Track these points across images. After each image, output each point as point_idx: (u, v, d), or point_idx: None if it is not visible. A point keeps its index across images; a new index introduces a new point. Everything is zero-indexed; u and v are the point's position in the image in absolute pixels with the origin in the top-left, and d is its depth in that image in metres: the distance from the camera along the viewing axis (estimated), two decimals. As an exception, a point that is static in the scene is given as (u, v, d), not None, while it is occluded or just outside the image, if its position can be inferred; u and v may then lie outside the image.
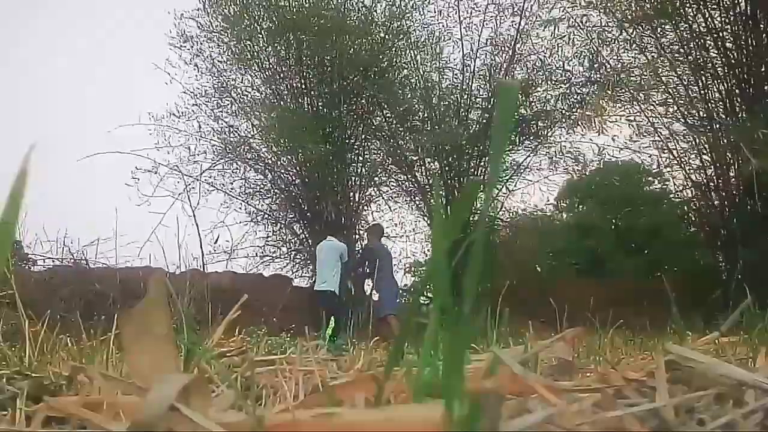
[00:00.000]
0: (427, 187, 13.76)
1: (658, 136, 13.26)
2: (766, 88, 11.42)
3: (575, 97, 13.35)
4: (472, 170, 13.39)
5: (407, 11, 13.45)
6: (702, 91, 12.38)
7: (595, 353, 1.57)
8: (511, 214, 15.11)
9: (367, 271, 9.70)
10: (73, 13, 23.92)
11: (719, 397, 0.68)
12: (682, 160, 13.18)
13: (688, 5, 12.04)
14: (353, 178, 14.12)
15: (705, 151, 12.64)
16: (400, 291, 10.71)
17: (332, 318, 8.23)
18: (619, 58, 12.97)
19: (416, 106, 13.74)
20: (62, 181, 16.34)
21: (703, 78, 12.30)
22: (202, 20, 13.52)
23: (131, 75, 23.47)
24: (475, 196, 0.50)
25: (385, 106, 13.65)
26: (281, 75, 13.66)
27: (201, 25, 13.54)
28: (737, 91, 11.90)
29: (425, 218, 14.17)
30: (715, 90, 12.33)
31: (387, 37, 13.41)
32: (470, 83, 13.66)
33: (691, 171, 13.17)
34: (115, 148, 12.47)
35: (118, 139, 17.41)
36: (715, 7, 11.97)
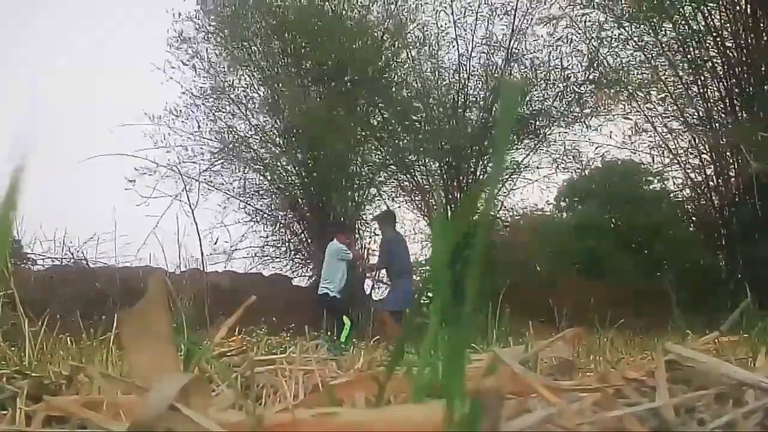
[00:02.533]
0: (426, 186, 13.74)
1: (658, 134, 13.27)
2: (766, 88, 11.41)
3: (573, 95, 13.34)
4: (471, 170, 13.38)
5: (402, 11, 13.45)
6: (701, 90, 12.38)
7: (595, 353, 1.57)
8: (511, 214, 15.10)
9: (383, 265, 8.65)
10: (73, 13, 23.94)
11: (719, 396, 0.68)
12: (682, 159, 13.20)
13: (687, 4, 12.04)
14: (353, 177, 14.11)
15: (704, 151, 12.65)
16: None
17: (339, 319, 8.10)
18: (617, 56, 12.98)
19: (414, 105, 13.73)
20: (62, 181, 16.36)
21: (703, 77, 12.30)
22: (200, 21, 13.55)
23: (131, 75, 23.45)
24: (478, 202, 0.50)
25: (383, 106, 13.63)
26: (279, 74, 13.65)
27: (198, 27, 13.56)
28: (737, 90, 11.90)
29: (425, 218, 14.17)
30: (715, 89, 12.33)
31: (384, 36, 13.41)
32: (467, 82, 13.67)
33: (691, 170, 13.18)
34: (115, 148, 12.50)
35: (118, 139, 17.40)
36: (714, 6, 11.96)
